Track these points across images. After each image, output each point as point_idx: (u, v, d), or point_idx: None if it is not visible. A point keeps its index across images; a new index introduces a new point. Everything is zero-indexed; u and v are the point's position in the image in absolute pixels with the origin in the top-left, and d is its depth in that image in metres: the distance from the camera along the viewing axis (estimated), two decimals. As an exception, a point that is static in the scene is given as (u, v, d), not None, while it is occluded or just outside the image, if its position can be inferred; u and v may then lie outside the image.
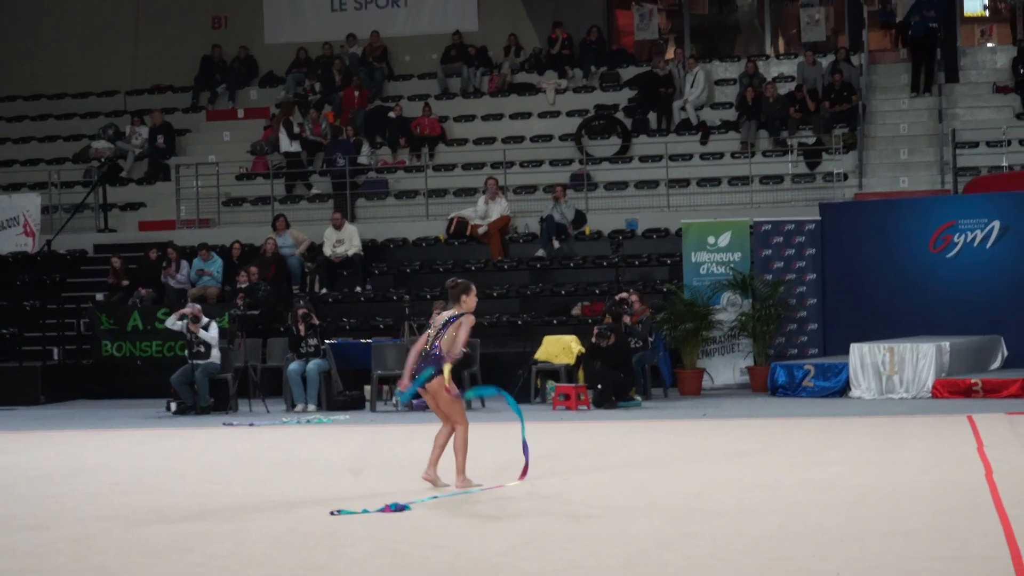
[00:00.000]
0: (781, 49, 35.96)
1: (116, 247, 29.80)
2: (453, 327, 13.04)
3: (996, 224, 24.99)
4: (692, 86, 32.00)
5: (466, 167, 31.08)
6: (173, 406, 23.16)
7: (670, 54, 34.88)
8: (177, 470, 15.84)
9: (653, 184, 29.82)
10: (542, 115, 32.67)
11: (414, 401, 22.54)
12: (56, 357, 27.62)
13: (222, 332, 23.72)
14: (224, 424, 21.25)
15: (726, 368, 25.43)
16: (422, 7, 35.81)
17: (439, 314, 13.45)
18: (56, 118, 35.82)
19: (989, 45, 35.48)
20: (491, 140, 31.97)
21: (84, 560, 10.23)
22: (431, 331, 13.19)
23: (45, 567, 9.99)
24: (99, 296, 28.29)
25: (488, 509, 12.19)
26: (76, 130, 35.08)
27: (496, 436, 16.60)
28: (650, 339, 23.67)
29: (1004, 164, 28.68)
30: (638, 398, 22.59)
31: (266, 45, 35.93)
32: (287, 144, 31.72)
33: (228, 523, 11.85)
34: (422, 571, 9.57)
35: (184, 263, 27.90)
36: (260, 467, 15.98)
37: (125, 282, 27.94)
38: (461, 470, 13.23)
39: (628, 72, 33.49)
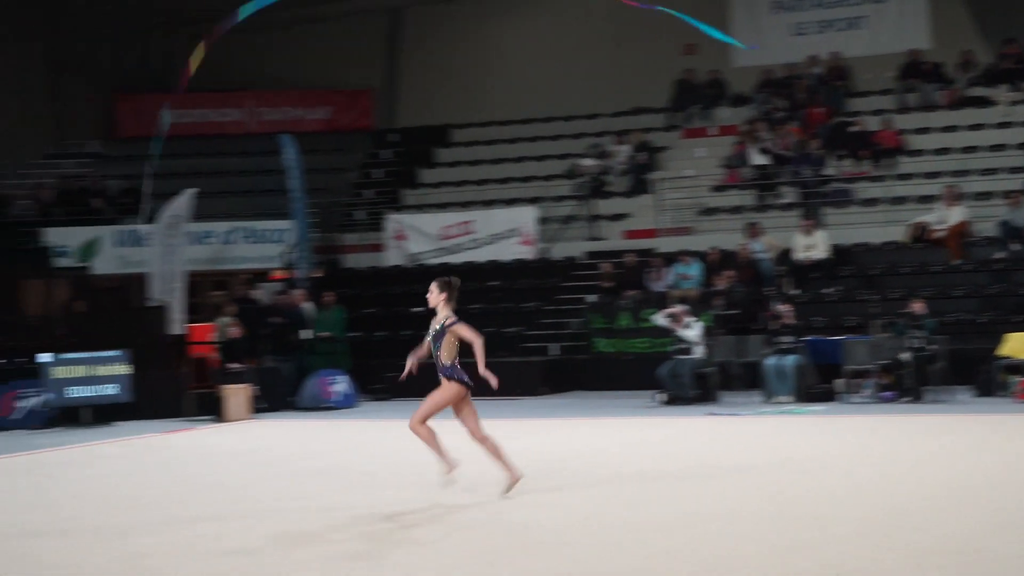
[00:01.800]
0: None
1: (604, 254, 30.65)
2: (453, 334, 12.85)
3: None
4: None
5: (925, 176, 30.72)
6: (660, 397, 23.80)
7: (1123, 64, 33.52)
8: (670, 454, 16.32)
9: (1112, 190, 28.77)
10: (997, 126, 31.92)
11: (882, 393, 22.63)
12: (554, 353, 28.64)
13: (705, 330, 24.21)
14: (708, 414, 21.70)
15: None
16: (880, 28, 35.50)
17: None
18: (547, 139, 37.02)
19: None
20: (947, 150, 31.47)
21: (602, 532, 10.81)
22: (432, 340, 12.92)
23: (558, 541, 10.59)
24: (591, 298, 29.21)
25: (957, 493, 12.23)
26: (565, 150, 36.12)
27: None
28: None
29: None
30: (1106, 392, 21.89)
31: (734, 68, 36.21)
32: (757, 158, 31.98)
33: (725, 502, 12.27)
34: (906, 551, 9.74)
35: (666, 269, 28.49)
36: (748, 452, 16.32)
37: (611, 282, 28.65)
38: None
39: (1082, 83, 32.39)
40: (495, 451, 12.96)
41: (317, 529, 11.49)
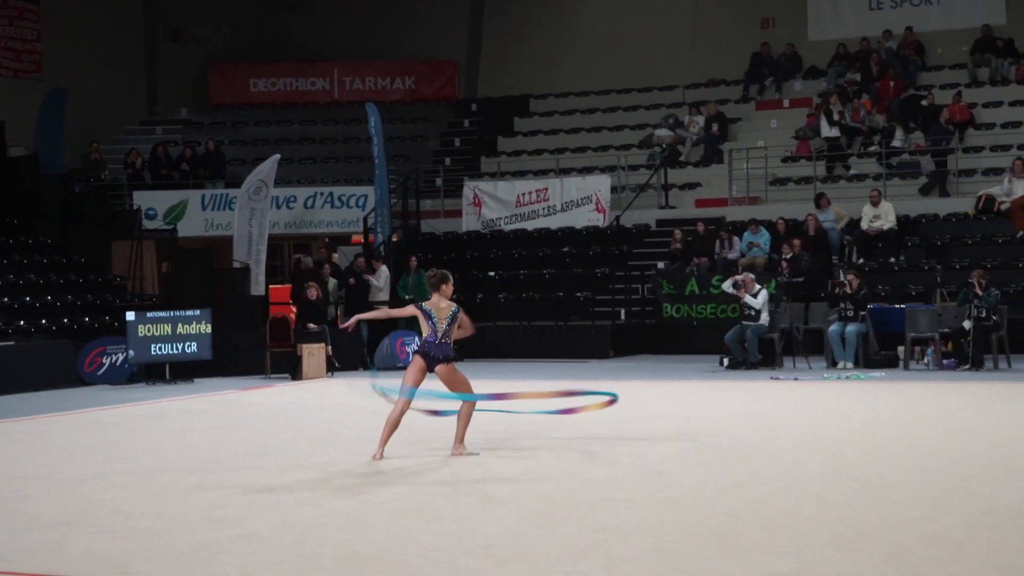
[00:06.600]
0: None
1: (676, 222, 30.32)
2: (460, 321, 12.95)
3: None
4: None
5: (993, 149, 30.20)
6: (726, 361, 23.53)
7: None
8: (733, 417, 16.08)
9: None
10: (1067, 101, 31.33)
11: (944, 361, 22.24)
12: (623, 317, 28.40)
13: (770, 297, 23.89)
14: (771, 378, 21.38)
15: None
16: (954, 3, 34.95)
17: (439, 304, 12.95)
18: (624, 110, 36.74)
19: None
20: (1017, 124, 30.90)
21: (659, 491, 10.63)
22: (437, 322, 12.86)
23: (625, 497, 10.43)
24: (660, 264, 28.93)
25: (1014, 458, 11.95)
26: (641, 120, 35.89)
27: None
28: None
29: None
30: None
31: (809, 42, 35.85)
32: (828, 130, 31.52)
33: (784, 463, 12.04)
34: (961, 513, 9.50)
35: (736, 238, 28.17)
36: (809, 416, 16.07)
37: (681, 250, 28.41)
38: (460, 438, 13.15)
39: None
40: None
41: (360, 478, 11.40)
